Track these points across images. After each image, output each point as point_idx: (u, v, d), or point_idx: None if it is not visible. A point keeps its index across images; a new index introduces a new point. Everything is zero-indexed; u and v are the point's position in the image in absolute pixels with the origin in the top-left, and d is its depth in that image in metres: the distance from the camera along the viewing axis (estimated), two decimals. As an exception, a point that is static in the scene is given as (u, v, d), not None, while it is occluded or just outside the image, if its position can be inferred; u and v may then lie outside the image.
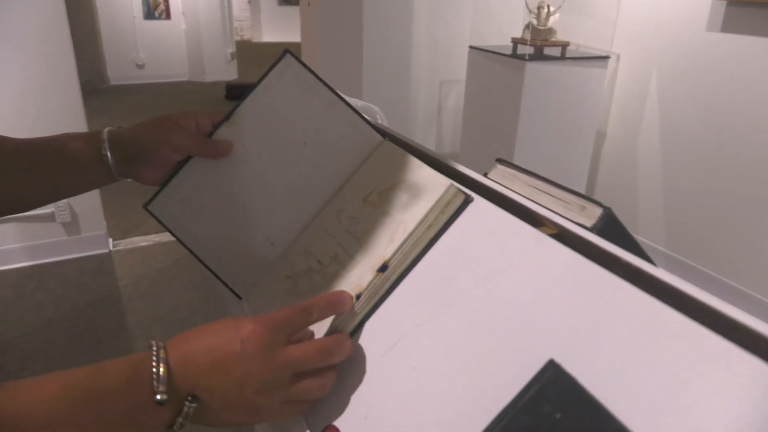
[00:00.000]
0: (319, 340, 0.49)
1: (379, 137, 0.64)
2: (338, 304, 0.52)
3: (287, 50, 0.64)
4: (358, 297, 0.54)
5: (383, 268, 0.54)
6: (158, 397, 0.41)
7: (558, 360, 0.39)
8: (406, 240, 0.54)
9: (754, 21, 2.30)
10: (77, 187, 0.64)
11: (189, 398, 0.43)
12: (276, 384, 0.45)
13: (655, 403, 0.35)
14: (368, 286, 0.54)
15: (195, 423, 0.44)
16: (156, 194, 0.64)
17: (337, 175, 0.64)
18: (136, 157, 0.62)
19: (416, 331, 0.49)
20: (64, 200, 2.71)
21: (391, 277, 0.55)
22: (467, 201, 0.56)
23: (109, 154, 0.61)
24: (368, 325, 0.54)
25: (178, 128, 0.61)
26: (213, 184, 0.64)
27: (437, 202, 0.54)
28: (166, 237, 3.13)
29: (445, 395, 0.44)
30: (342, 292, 0.52)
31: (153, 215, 0.65)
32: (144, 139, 0.61)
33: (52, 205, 2.68)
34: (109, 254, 2.92)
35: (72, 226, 2.81)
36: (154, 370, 0.41)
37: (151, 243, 3.07)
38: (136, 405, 0.41)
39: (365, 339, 0.53)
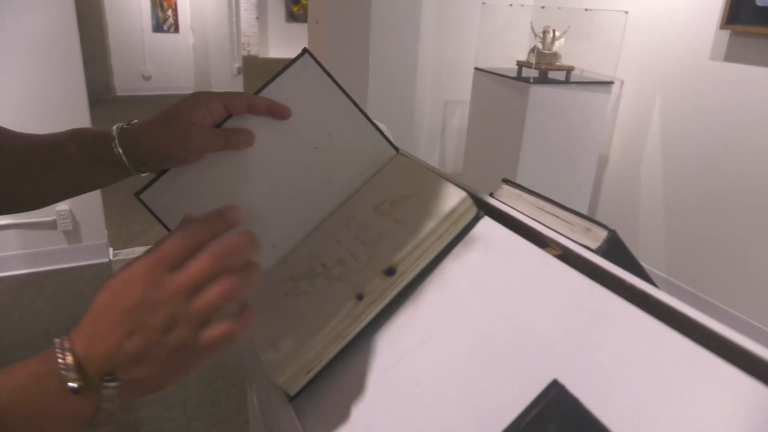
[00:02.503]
0: (209, 247, 0.43)
1: (393, 151, 0.64)
2: (228, 215, 0.45)
3: (306, 49, 0.61)
4: (360, 298, 0.52)
5: (390, 272, 0.53)
6: (71, 384, 0.38)
7: (562, 380, 0.39)
8: (416, 246, 0.53)
9: (757, 51, 2.33)
10: (93, 185, 0.62)
11: (107, 377, 0.40)
12: (175, 314, 0.41)
13: (658, 426, 0.35)
14: (373, 288, 0.53)
15: (127, 400, 0.41)
16: (150, 183, 0.61)
17: (347, 184, 0.63)
18: (155, 163, 0.59)
19: (420, 348, 0.49)
20: (67, 208, 2.71)
21: (398, 284, 0.54)
22: (478, 216, 0.56)
23: (121, 152, 0.58)
24: (371, 341, 0.54)
25: (194, 128, 0.57)
26: (213, 179, 0.61)
27: (452, 211, 0.54)
28: (166, 248, 3.12)
29: (447, 413, 0.44)
30: (233, 206, 0.46)
31: (145, 205, 0.61)
32: (161, 148, 0.58)
33: (54, 213, 2.69)
34: (110, 264, 2.92)
35: (73, 234, 2.82)
36: (60, 360, 0.39)
37: (152, 254, 3.06)
38: (51, 397, 0.38)
39: (368, 354, 0.53)
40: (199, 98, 0.58)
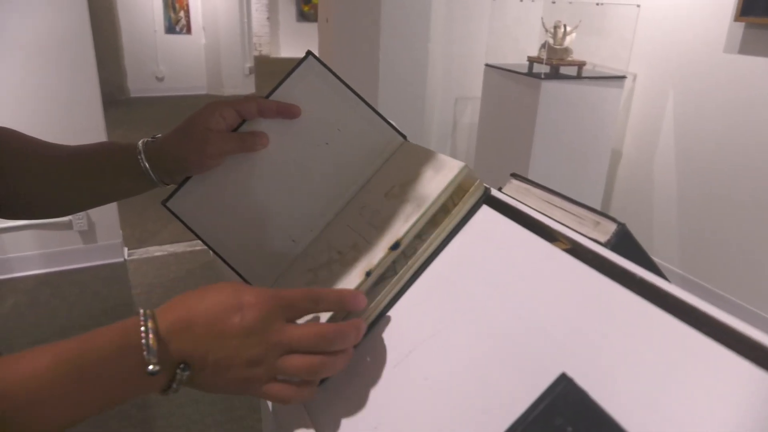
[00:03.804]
0: (321, 325, 0.47)
1: (400, 138, 0.67)
2: (350, 302, 0.50)
3: (310, 52, 0.64)
4: (368, 274, 0.55)
5: (395, 246, 0.55)
6: (150, 367, 0.41)
7: (570, 374, 0.39)
8: (419, 218, 0.56)
9: (772, 43, 2.29)
10: (121, 194, 0.66)
11: (181, 366, 0.43)
12: (266, 358, 0.45)
13: (667, 419, 0.34)
14: (379, 263, 0.55)
15: (188, 386, 0.45)
16: (175, 191, 0.64)
17: (359, 174, 0.66)
18: (178, 171, 0.63)
19: (429, 343, 0.49)
20: (82, 209, 2.75)
21: (413, 264, 0.56)
22: (487, 192, 0.58)
23: (147, 165, 0.61)
24: (380, 335, 0.54)
25: (211, 133, 0.60)
26: (234, 182, 0.64)
27: (450, 181, 0.56)
28: (180, 247, 3.15)
29: (456, 407, 0.44)
30: (358, 293, 0.51)
31: (172, 212, 0.64)
32: (183, 155, 0.61)
33: (69, 213, 2.73)
34: (124, 263, 2.95)
35: (88, 234, 2.85)
36: (143, 341, 0.41)
37: (166, 253, 3.09)
38: (128, 374, 0.41)
39: (377, 349, 0.53)
40: (213, 106, 0.62)
